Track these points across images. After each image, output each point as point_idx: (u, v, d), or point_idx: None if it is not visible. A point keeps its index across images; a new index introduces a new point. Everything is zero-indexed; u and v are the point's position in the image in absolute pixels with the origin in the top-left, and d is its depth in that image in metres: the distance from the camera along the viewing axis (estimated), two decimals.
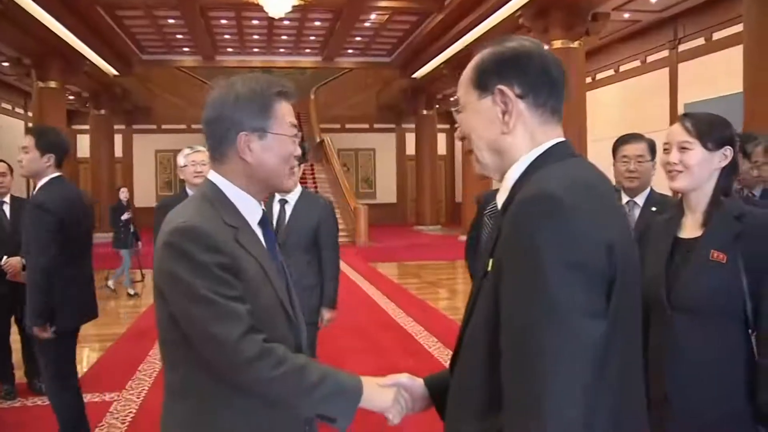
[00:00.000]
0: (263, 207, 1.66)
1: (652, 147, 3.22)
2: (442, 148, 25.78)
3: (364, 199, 22.81)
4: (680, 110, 13.04)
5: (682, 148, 2.04)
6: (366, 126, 26.38)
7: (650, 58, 14.33)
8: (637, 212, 3.20)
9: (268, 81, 1.59)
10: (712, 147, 2.00)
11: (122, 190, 10.69)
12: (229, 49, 20.13)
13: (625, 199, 3.23)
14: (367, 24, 17.34)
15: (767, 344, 1.84)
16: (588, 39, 12.62)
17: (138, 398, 5.07)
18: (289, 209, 4.00)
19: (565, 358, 1.03)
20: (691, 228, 2.06)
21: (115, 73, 18.71)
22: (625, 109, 15.04)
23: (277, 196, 3.99)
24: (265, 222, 1.64)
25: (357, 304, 9.23)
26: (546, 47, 1.28)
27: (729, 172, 2.04)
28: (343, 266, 13.33)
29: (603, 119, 14.90)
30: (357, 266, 13.33)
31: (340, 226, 19.06)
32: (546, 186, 1.12)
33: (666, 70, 13.75)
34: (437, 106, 22.49)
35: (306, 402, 1.47)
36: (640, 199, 3.22)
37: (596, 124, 13.74)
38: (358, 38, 18.75)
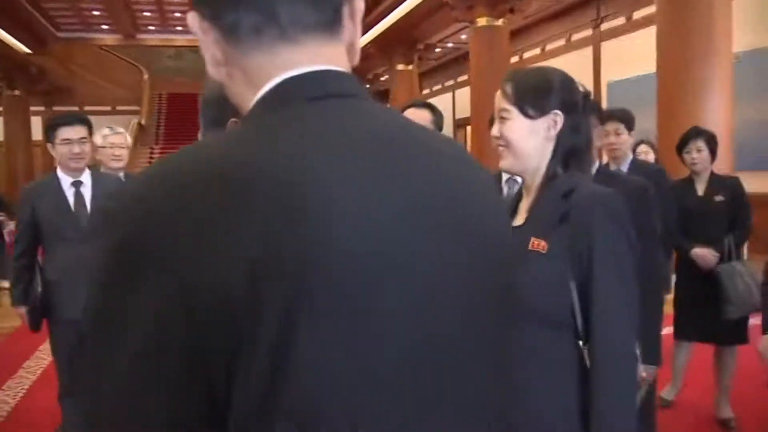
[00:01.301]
0: None
1: None
2: None
3: None
4: (603, 89, 13.09)
5: (502, 118, 1.64)
6: None
7: (575, 37, 14.33)
8: (516, 190, 3.00)
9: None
10: (534, 114, 1.61)
11: None
12: (151, 27, 19.49)
13: (505, 177, 3.04)
14: None
15: (596, 353, 1.47)
16: (513, 18, 12.52)
17: (14, 399, 4.70)
18: (86, 192, 3.52)
19: None
20: (522, 213, 1.67)
21: (28, 51, 17.81)
22: None
23: (69, 179, 3.50)
24: None
25: None
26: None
27: (567, 140, 1.62)
28: None
29: None
30: None
31: None
32: (134, 181, 0.67)
33: (590, 49, 13.76)
34: (367, 86, 22.20)
35: None
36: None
37: None
38: None
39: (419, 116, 2.88)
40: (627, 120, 3.62)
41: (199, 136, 1.57)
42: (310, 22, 0.72)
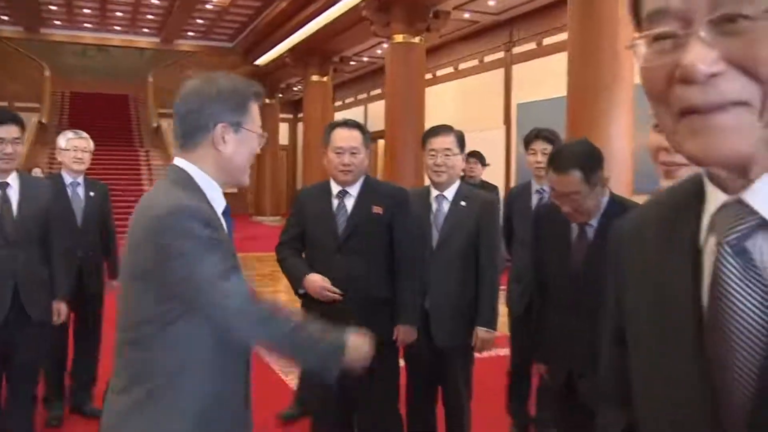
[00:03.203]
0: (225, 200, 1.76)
1: (460, 140, 3.15)
2: (284, 138, 25.42)
3: None
4: (513, 110, 13.56)
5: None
6: None
7: (487, 59, 14.78)
8: (446, 207, 3.13)
9: (246, 81, 1.76)
10: None
11: None
12: (57, 22, 18.74)
13: (434, 193, 3.16)
14: (208, 6, 16.72)
15: None
16: (429, 36, 12.82)
17: None
18: (13, 196, 3.25)
19: None
20: None
21: None
22: (463, 106, 15.43)
23: None
24: (227, 213, 1.74)
25: None
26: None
27: None
28: None
29: (442, 115, 15.14)
30: None
31: None
32: None
33: (501, 70, 14.24)
34: (280, 95, 22.10)
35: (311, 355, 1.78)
36: (449, 194, 3.15)
37: (435, 120, 13.87)
38: (199, 21, 18.04)
39: (351, 137, 2.94)
40: (556, 140, 3.63)
41: (173, 151, 1.66)
42: None
